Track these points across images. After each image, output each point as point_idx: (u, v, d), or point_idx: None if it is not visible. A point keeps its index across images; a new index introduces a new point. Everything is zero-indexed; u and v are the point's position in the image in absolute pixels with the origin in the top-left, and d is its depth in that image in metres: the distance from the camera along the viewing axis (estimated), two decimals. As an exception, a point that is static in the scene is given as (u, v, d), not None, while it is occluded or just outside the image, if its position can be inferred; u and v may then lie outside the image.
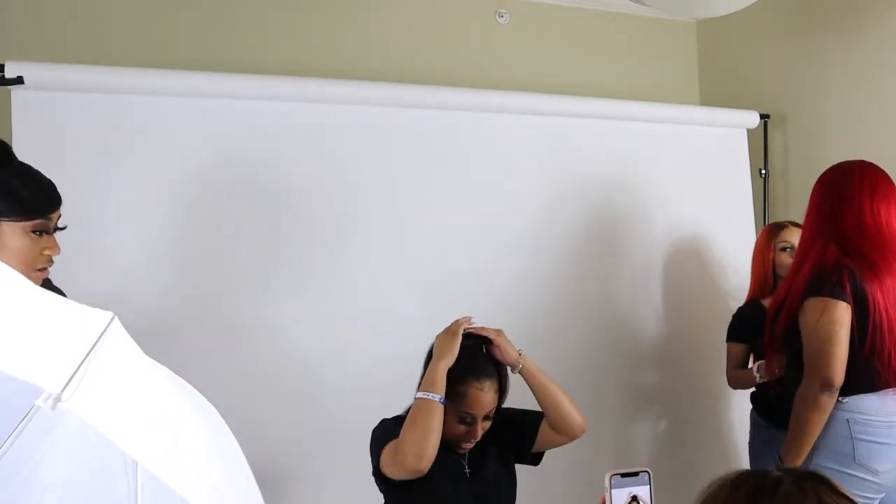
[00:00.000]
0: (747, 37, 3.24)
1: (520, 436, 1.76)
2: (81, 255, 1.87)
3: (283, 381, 2.25)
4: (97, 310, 0.78)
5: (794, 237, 2.33)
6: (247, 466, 0.91)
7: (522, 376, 1.70)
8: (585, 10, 3.25)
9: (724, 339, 2.54)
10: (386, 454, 1.59)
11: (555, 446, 1.77)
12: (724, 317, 2.59)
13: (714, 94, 3.44)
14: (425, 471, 1.54)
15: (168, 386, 0.84)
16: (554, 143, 2.73)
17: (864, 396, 1.82)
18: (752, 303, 2.49)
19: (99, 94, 2.11)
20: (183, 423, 0.81)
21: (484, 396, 1.65)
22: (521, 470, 1.81)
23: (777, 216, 3.00)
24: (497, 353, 1.70)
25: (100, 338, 0.73)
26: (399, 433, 1.57)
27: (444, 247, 2.51)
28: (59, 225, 1.48)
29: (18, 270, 1.45)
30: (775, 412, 2.27)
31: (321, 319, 2.32)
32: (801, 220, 2.06)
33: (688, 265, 2.93)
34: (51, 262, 1.47)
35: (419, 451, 1.52)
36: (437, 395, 1.58)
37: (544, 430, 1.74)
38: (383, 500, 1.70)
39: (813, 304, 1.83)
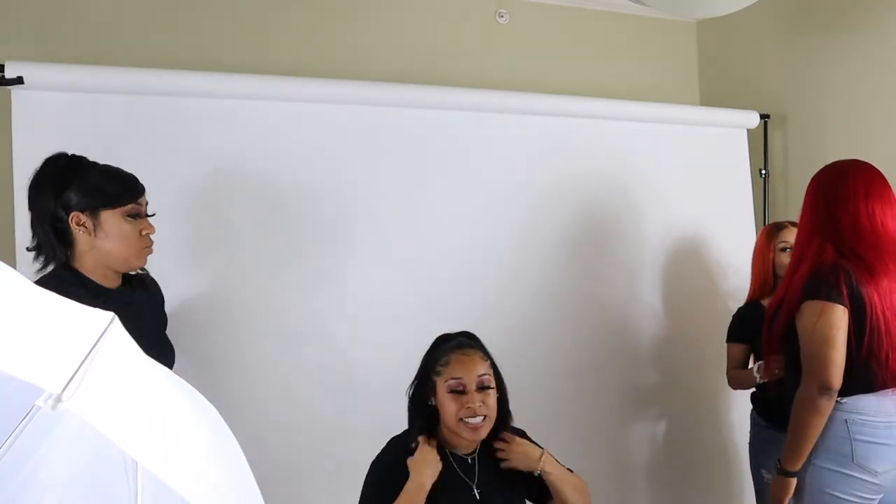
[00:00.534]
0: (747, 37, 3.24)
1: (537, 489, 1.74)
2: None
3: (283, 381, 2.25)
4: (97, 310, 0.78)
5: (793, 237, 2.33)
6: (247, 466, 0.91)
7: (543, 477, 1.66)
8: (585, 10, 3.25)
9: (724, 339, 2.54)
10: None
11: None
12: (723, 317, 2.59)
13: (714, 94, 3.44)
14: None
15: (168, 386, 0.84)
16: (554, 143, 2.73)
17: (863, 397, 1.82)
18: (752, 303, 2.49)
19: (99, 94, 2.11)
20: (183, 423, 0.81)
21: (469, 360, 1.65)
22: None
23: (777, 216, 3.00)
24: (512, 464, 1.67)
25: (100, 338, 0.73)
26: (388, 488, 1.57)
27: (444, 246, 2.51)
28: (148, 212, 1.72)
29: (127, 252, 1.64)
30: (775, 412, 2.27)
31: (320, 318, 2.32)
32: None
33: (688, 265, 2.93)
34: (151, 241, 1.70)
35: None
36: None
37: None
38: None
39: (810, 308, 1.82)
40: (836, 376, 1.78)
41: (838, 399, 1.81)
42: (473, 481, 1.68)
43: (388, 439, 1.74)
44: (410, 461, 1.62)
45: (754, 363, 2.40)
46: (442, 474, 1.64)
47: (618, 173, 2.83)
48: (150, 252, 1.71)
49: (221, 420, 0.90)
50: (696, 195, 2.96)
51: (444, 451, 1.68)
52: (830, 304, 1.79)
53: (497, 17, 3.08)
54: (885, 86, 2.67)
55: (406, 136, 2.49)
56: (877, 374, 1.81)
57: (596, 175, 2.79)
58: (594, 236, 2.78)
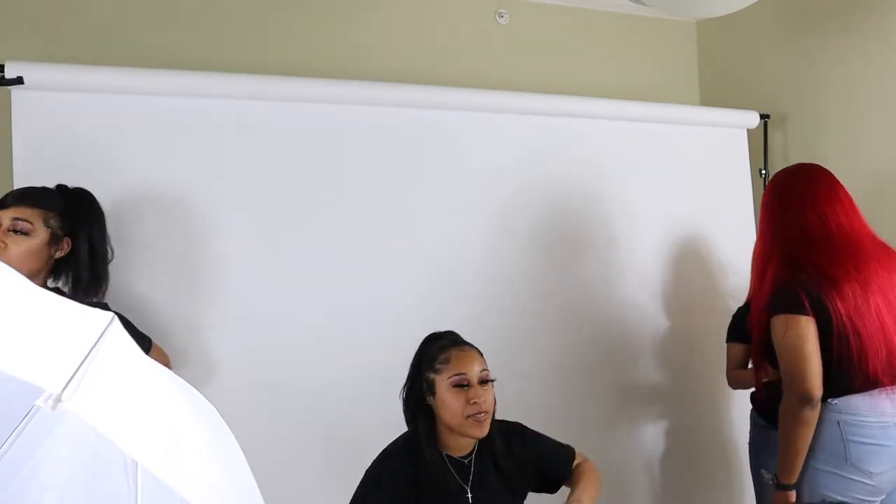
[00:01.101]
0: (747, 37, 3.24)
1: (549, 476, 1.78)
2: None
3: (282, 381, 2.25)
4: (97, 310, 0.78)
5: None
6: (247, 466, 0.91)
7: None
8: (585, 10, 3.25)
9: (724, 339, 2.54)
10: None
11: None
12: (723, 317, 2.58)
13: (714, 94, 3.44)
14: None
15: (168, 386, 0.84)
16: (554, 143, 2.73)
17: (853, 397, 1.81)
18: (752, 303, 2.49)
19: (99, 94, 2.11)
20: (183, 423, 0.81)
21: (469, 356, 1.66)
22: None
23: (777, 216, 3.00)
24: None
25: (100, 338, 0.73)
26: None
27: (443, 246, 2.51)
28: (16, 227, 1.66)
29: None
30: (775, 413, 2.27)
31: (319, 318, 2.32)
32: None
33: (688, 265, 2.93)
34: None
35: None
36: None
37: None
38: None
39: (777, 322, 1.83)
40: (815, 385, 1.77)
41: (829, 400, 1.81)
42: (468, 484, 1.68)
43: (383, 449, 1.73)
44: None
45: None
46: (436, 477, 1.63)
47: (618, 173, 2.83)
48: None
49: (221, 420, 0.90)
50: (696, 195, 2.96)
51: (440, 453, 1.68)
52: (794, 316, 1.79)
53: (497, 17, 3.08)
54: (885, 86, 2.67)
55: (406, 136, 2.49)
56: (853, 379, 1.80)
57: (596, 175, 2.79)
58: (594, 236, 2.78)
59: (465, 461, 1.70)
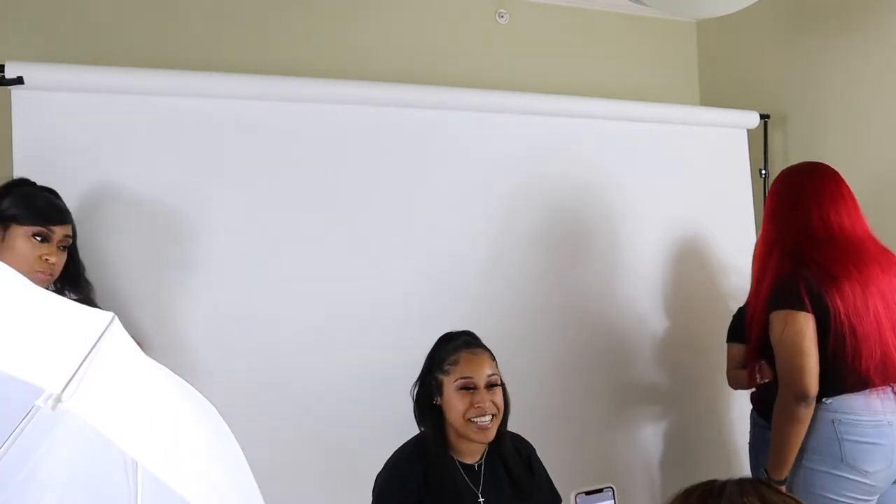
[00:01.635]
0: (747, 37, 3.24)
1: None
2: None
3: (282, 381, 2.25)
4: (97, 310, 0.78)
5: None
6: (247, 466, 0.91)
7: None
8: (585, 10, 3.25)
9: (724, 339, 2.54)
10: None
11: None
12: (724, 317, 2.58)
13: (714, 94, 3.44)
14: None
15: (168, 386, 0.84)
16: (554, 143, 2.73)
17: (847, 396, 1.81)
18: (752, 303, 2.49)
19: (99, 94, 2.11)
20: (183, 423, 0.81)
21: (478, 359, 1.65)
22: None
23: (777, 216, 3.00)
24: None
25: (100, 338, 0.73)
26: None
27: (443, 246, 2.51)
28: (66, 245, 1.76)
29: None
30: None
31: (319, 318, 2.32)
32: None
33: (688, 265, 2.93)
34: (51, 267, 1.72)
35: None
36: None
37: None
38: None
39: (776, 318, 1.83)
40: (811, 383, 1.77)
41: (823, 400, 1.81)
42: (479, 488, 1.67)
43: (391, 455, 1.72)
44: None
45: (754, 363, 2.41)
46: (446, 480, 1.63)
47: (617, 173, 2.82)
48: (45, 279, 1.72)
49: (221, 420, 0.90)
50: (696, 195, 2.96)
51: (450, 458, 1.68)
52: (793, 312, 1.79)
53: (497, 17, 3.08)
54: (885, 86, 2.67)
55: (406, 136, 2.49)
56: (846, 378, 1.81)
57: (595, 175, 2.79)
58: (594, 236, 2.77)
59: (475, 466, 1.70)
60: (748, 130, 3.13)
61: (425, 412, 1.71)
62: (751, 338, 1.99)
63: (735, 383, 2.50)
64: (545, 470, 1.81)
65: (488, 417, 1.62)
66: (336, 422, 2.29)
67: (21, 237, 1.68)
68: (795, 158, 3.06)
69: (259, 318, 2.24)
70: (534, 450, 1.81)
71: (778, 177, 2.02)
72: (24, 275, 1.48)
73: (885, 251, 1.91)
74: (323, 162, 2.37)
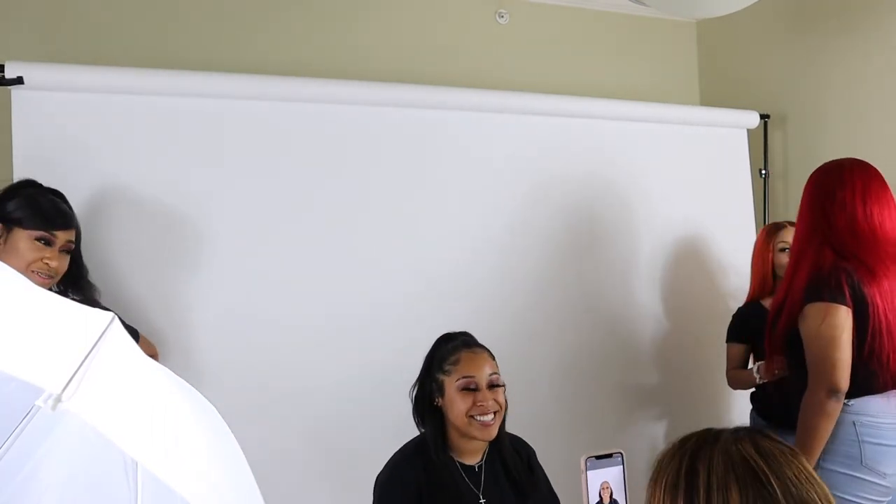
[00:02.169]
0: (747, 37, 3.24)
1: None
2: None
3: (281, 381, 2.25)
4: (97, 310, 0.78)
5: (792, 237, 2.33)
6: (247, 466, 0.91)
7: None
8: (585, 10, 3.25)
9: (724, 339, 2.54)
10: None
11: None
12: (724, 317, 2.58)
13: (714, 94, 3.44)
14: None
15: (168, 386, 0.84)
16: (554, 144, 2.73)
17: (870, 398, 1.80)
18: (752, 303, 2.49)
19: (99, 94, 2.11)
20: (183, 423, 0.81)
21: (479, 358, 1.65)
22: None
23: (777, 216, 3.00)
24: None
25: (100, 338, 0.73)
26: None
27: (443, 246, 2.51)
28: (68, 249, 1.77)
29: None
30: (775, 412, 2.27)
31: (319, 318, 2.32)
32: (798, 219, 2.05)
33: (688, 265, 2.93)
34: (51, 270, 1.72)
35: None
36: None
37: None
38: None
39: (814, 310, 1.80)
40: (844, 378, 1.76)
41: (845, 401, 1.80)
42: (479, 489, 1.67)
43: (391, 456, 1.72)
44: None
45: (754, 363, 2.40)
46: (447, 480, 1.63)
47: (618, 173, 2.83)
48: (44, 282, 1.72)
49: (221, 420, 0.90)
50: (696, 195, 2.96)
51: (450, 459, 1.68)
52: (834, 305, 1.77)
53: (497, 18, 3.08)
54: (885, 86, 2.67)
55: (406, 136, 2.49)
56: (878, 376, 1.80)
57: (596, 175, 2.79)
58: (595, 236, 2.77)
59: (476, 467, 1.70)
60: (748, 130, 3.13)
61: (425, 413, 1.71)
62: (775, 330, 1.95)
63: (735, 383, 2.50)
64: (545, 472, 1.81)
65: (491, 415, 1.62)
66: (336, 422, 2.29)
67: (24, 240, 1.69)
68: (795, 158, 3.07)
69: (259, 318, 2.24)
70: (534, 452, 1.81)
71: (820, 168, 1.97)
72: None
73: None
74: (323, 162, 2.36)
